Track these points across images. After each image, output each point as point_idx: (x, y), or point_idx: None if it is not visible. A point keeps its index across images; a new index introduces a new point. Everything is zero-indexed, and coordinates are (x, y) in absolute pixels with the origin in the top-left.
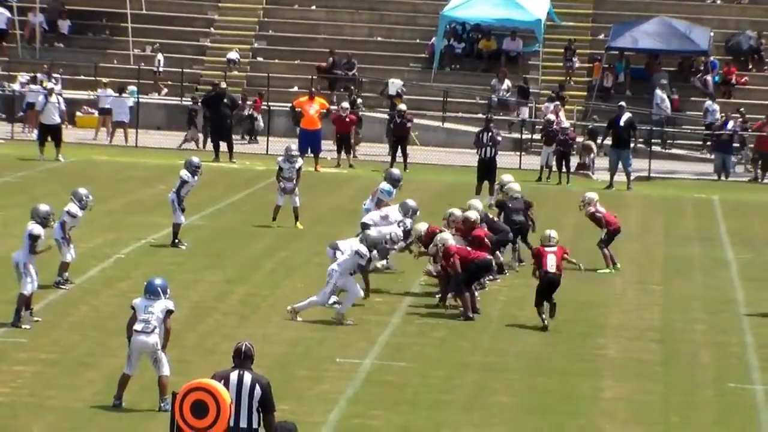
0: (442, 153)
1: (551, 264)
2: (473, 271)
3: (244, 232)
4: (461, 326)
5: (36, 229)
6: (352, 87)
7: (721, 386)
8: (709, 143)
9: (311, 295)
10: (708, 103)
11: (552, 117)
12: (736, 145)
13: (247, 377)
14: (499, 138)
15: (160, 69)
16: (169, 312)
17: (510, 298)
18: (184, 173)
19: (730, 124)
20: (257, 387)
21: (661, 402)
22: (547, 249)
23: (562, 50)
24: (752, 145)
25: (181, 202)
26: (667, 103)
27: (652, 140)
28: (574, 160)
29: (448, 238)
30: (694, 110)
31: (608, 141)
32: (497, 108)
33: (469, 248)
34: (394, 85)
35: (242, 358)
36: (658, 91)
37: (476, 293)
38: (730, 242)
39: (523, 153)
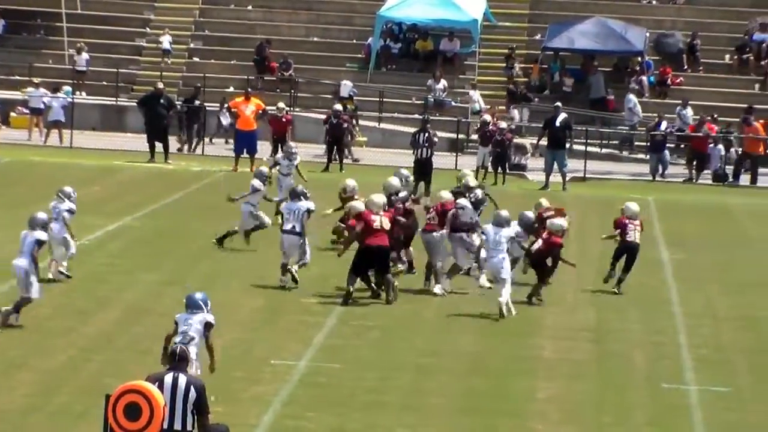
0: (378, 153)
1: None
2: (364, 253)
3: (179, 233)
4: (397, 327)
5: (43, 235)
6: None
7: (654, 387)
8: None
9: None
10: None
11: (488, 118)
12: (670, 145)
13: (182, 379)
14: (436, 139)
15: (81, 68)
16: (208, 324)
17: (445, 298)
18: (257, 183)
19: (664, 125)
20: (192, 389)
21: (594, 402)
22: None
23: (499, 50)
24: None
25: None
26: (639, 107)
27: (589, 140)
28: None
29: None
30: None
31: (544, 141)
32: (433, 108)
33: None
34: (346, 86)
35: (177, 361)
36: (631, 96)
37: (395, 283)
38: (665, 243)
39: (459, 153)
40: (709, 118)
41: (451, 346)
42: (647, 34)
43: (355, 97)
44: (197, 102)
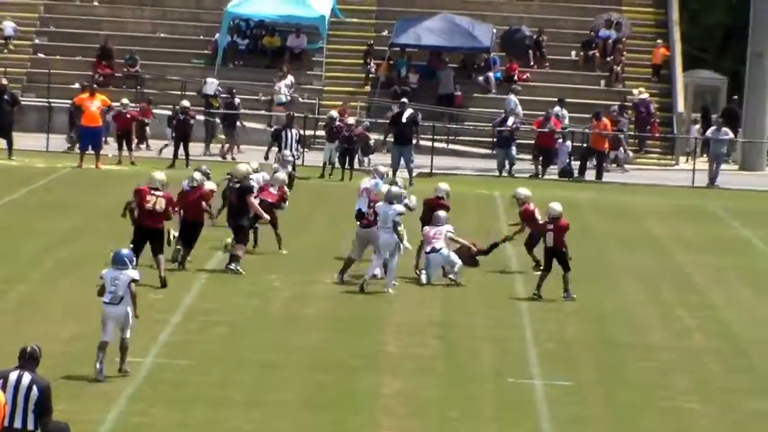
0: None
1: None
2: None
3: (22, 230)
4: (243, 323)
5: None
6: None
7: (500, 381)
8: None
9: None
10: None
11: (335, 113)
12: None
13: (26, 378)
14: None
15: None
16: (133, 280)
17: (292, 294)
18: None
19: (510, 121)
20: (35, 388)
21: (439, 397)
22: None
23: (347, 46)
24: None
25: None
26: (520, 108)
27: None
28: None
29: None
30: (476, 107)
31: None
32: (281, 104)
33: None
34: (213, 84)
35: (26, 359)
36: (512, 96)
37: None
38: None
39: (306, 149)
40: (554, 113)
41: (297, 342)
42: (494, 31)
43: (219, 96)
44: None
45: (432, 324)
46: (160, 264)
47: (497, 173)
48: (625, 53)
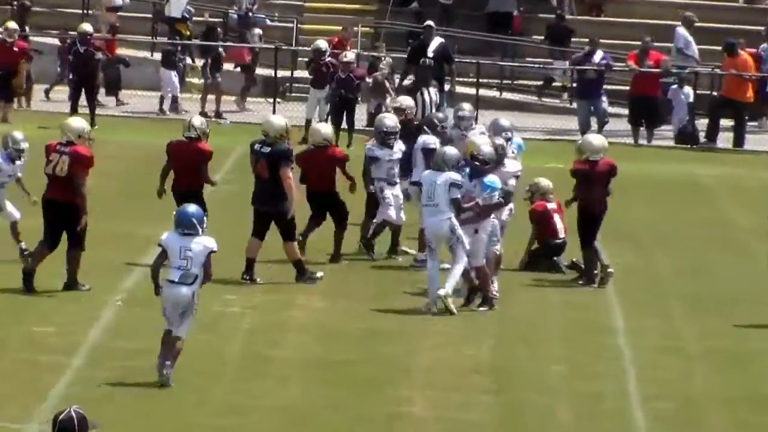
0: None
1: None
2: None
3: None
4: (185, 368)
5: None
6: None
7: None
8: None
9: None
10: None
11: (323, 44)
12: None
13: None
14: None
15: None
16: (210, 254)
17: (259, 324)
18: None
19: (598, 56)
20: None
21: None
22: None
23: None
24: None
25: None
26: (694, 47)
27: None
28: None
29: None
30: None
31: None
32: (234, 28)
33: None
34: (179, 3)
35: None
36: (681, 30)
37: None
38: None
39: (278, 100)
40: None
41: (266, 400)
42: None
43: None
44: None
45: (479, 370)
46: (72, 260)
47: (578, 136)
48: None
